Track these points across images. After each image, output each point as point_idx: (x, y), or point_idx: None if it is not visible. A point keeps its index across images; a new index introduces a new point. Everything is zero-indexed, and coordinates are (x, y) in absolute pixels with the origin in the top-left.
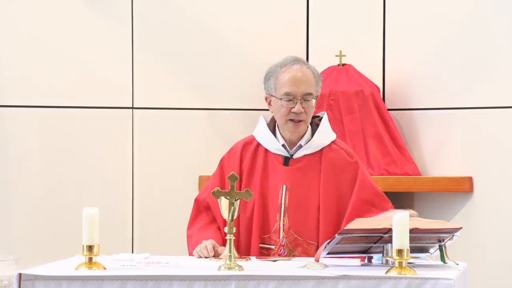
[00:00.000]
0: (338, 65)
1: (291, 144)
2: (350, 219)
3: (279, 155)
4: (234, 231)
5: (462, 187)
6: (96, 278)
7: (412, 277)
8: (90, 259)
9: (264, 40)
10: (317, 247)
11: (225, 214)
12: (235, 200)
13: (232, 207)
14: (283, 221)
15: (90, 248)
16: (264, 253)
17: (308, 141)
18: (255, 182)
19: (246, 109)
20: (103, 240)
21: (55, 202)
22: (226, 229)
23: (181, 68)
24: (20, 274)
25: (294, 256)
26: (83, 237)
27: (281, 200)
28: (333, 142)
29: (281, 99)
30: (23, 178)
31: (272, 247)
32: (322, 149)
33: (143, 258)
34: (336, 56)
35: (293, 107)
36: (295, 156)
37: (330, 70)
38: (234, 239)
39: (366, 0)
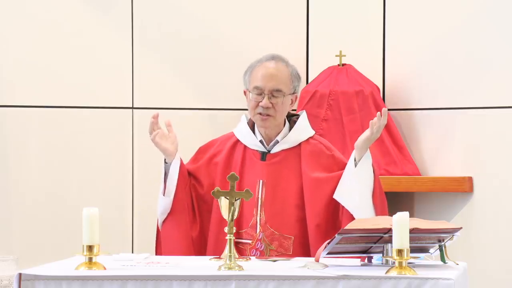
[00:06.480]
0: (338, 65)
1: (269, 140)
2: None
3: (256, 150)
4: (234, 231)
5: (462, 187)
6: (96, 278)
7: (412, 277)
8: (90, 259)
9: (264, 40)
10: (294, 241)
11: (225, 214)
12: (235, 200)
13: (232, 207)
14: (260, 216)
15: (90, 248)
16: (241, 248)
17: (285, 136)
18: None
19: (246, 109)
20: (103, 240)
21: (55, 202)
22: (226, 229)
23: (181, 68)
24: (20, 274)
25: (271, 250)
26: (83, 237)
27: (258, 194)
28: (311, 137)
29: (251, 92)
30: (23, 178)
31: (249, 241)
32: (300, 144)
33: (143, 258)
34: (336, 56)
35: (261, 101)
36: (272, 151)
37: (330, 70)
38: (234, 239)
39: (366, 1)
